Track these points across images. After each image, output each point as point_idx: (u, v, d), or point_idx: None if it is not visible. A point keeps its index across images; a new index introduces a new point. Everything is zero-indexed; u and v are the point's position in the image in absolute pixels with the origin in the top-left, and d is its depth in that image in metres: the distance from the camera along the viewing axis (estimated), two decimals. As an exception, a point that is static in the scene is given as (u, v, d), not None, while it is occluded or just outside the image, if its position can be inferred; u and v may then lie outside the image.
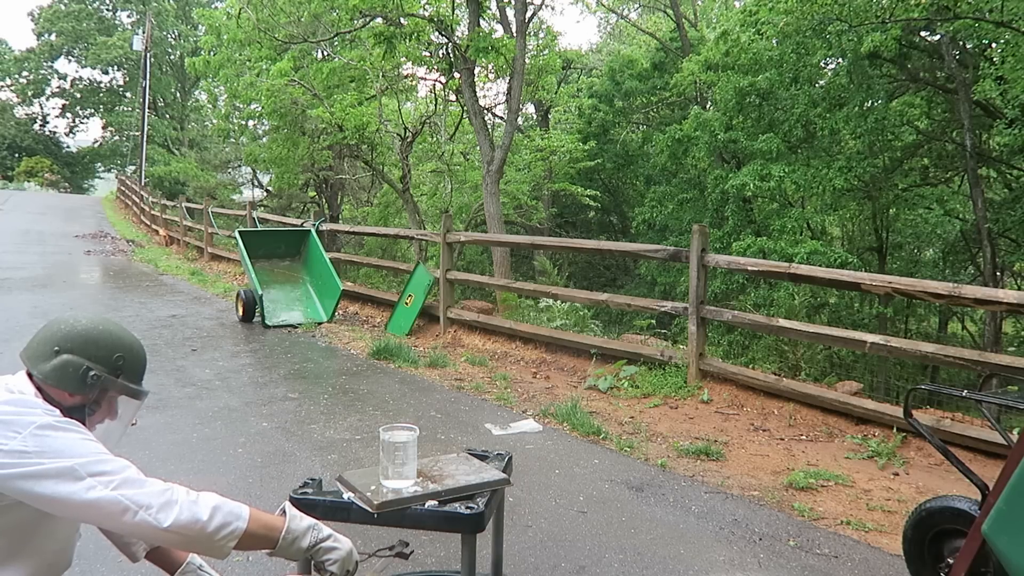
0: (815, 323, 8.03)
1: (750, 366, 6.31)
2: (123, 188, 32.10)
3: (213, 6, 30.65)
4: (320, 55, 15.78)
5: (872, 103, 12.94)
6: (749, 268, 5.62)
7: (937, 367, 12.05)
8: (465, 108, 13.19)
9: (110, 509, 1.46)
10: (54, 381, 1.61)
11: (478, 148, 13.34)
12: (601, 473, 4.03)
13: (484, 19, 14.13)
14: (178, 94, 46.72)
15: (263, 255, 8.95)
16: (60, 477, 1.44)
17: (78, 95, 47.53)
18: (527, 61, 13.31)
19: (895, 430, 4.47)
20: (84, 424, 1.60)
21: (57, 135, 49.35)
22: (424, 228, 13.98)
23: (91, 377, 1.63)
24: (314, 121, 14.84)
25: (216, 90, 24.39)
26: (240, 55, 16.06)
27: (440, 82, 13.98)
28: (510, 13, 14.11)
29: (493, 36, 12.27)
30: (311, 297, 8.89)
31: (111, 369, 1.66)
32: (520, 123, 20.86)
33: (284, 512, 1.67)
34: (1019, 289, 13.25)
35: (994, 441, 3.98)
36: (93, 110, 48.27)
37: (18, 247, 15.69)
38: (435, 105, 15.58)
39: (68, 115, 48.42)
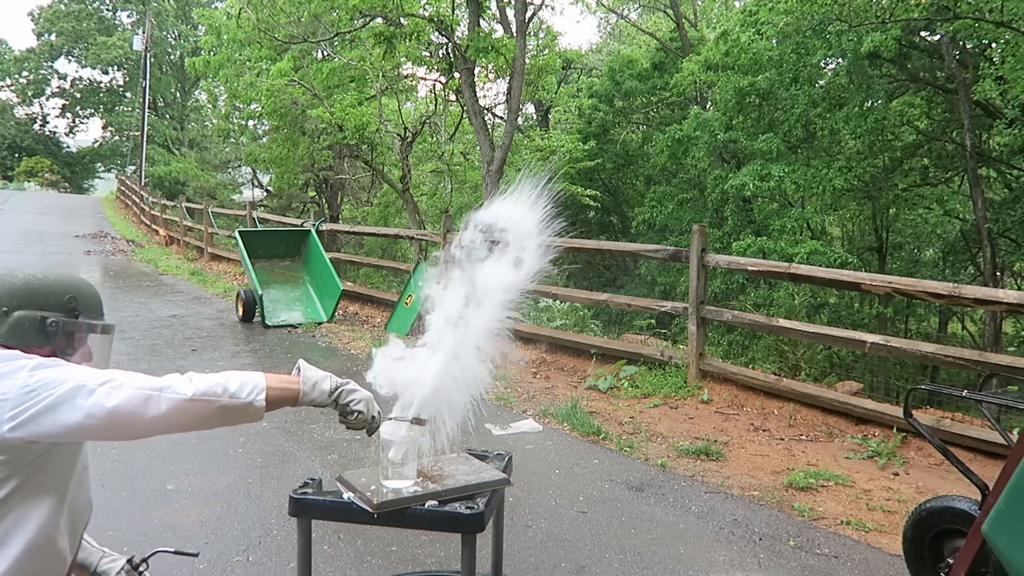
0: (815, 323, 8.04)
1: (750, 366, 6.32)
2: (123, 188, 32.10)
3: (213, 6, 30.60)
4: (320, 55, 15.76)
5: (872, 103, 12.92)
6: (749, 268, 5.62)
7: (937, 367, 12.05)
8: (465, 108, 13.18)
9: (135, 404, 1.46)
10: (16, 340, 1.56)
11: (478, 148, 13.33)
12: (601, 473, 4.03)
13: (484, 19, 14.11)
14: (178, 94, 46.69)
15: (263, 255, 8.95)
16: (75, 397, 1.43)
17: (78, 95, 47.50)
18: (527, 61, 13.30)
19: (895, 430, 4.47)
20: None
21: (57, 135, 49.32)
22: (424, 228, 13.97)
23: (50, 326, 1.59)
24: (314, 121, 14.83)
25: (216, 90, 24.39)
26: (240, 55, 16.06)
27: (440, 82, 13.98)
28: (510, 13, 14.08)
29: (493, 36, 12.27)
30: (311, 297, 8.89)
31: (66, 312, 1.63)
32: (520, 123, 20.83)
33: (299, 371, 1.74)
34: (1019, 289, 13.26)
35: (994, 441, 3.98)
36: (93, 110, 48.25)
37: (18, 247, 15.69)
38: (435, 105, 15.58)
39: (68, 115, 48.41)
